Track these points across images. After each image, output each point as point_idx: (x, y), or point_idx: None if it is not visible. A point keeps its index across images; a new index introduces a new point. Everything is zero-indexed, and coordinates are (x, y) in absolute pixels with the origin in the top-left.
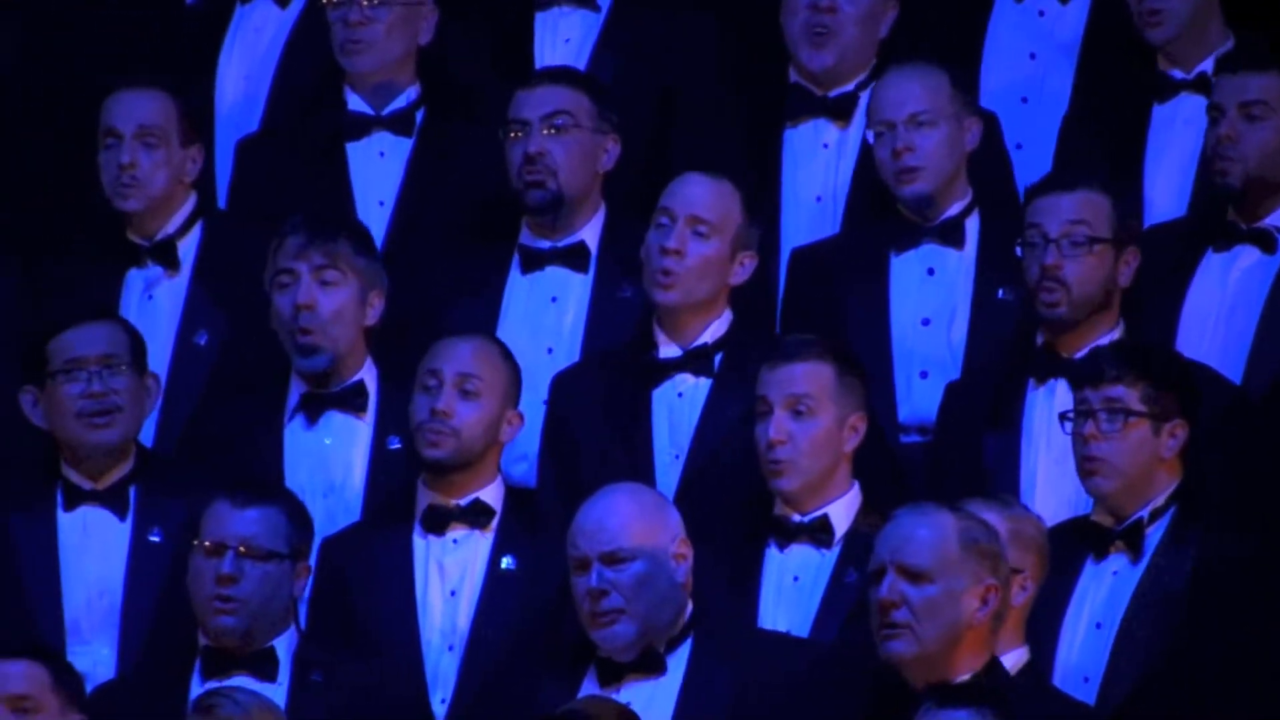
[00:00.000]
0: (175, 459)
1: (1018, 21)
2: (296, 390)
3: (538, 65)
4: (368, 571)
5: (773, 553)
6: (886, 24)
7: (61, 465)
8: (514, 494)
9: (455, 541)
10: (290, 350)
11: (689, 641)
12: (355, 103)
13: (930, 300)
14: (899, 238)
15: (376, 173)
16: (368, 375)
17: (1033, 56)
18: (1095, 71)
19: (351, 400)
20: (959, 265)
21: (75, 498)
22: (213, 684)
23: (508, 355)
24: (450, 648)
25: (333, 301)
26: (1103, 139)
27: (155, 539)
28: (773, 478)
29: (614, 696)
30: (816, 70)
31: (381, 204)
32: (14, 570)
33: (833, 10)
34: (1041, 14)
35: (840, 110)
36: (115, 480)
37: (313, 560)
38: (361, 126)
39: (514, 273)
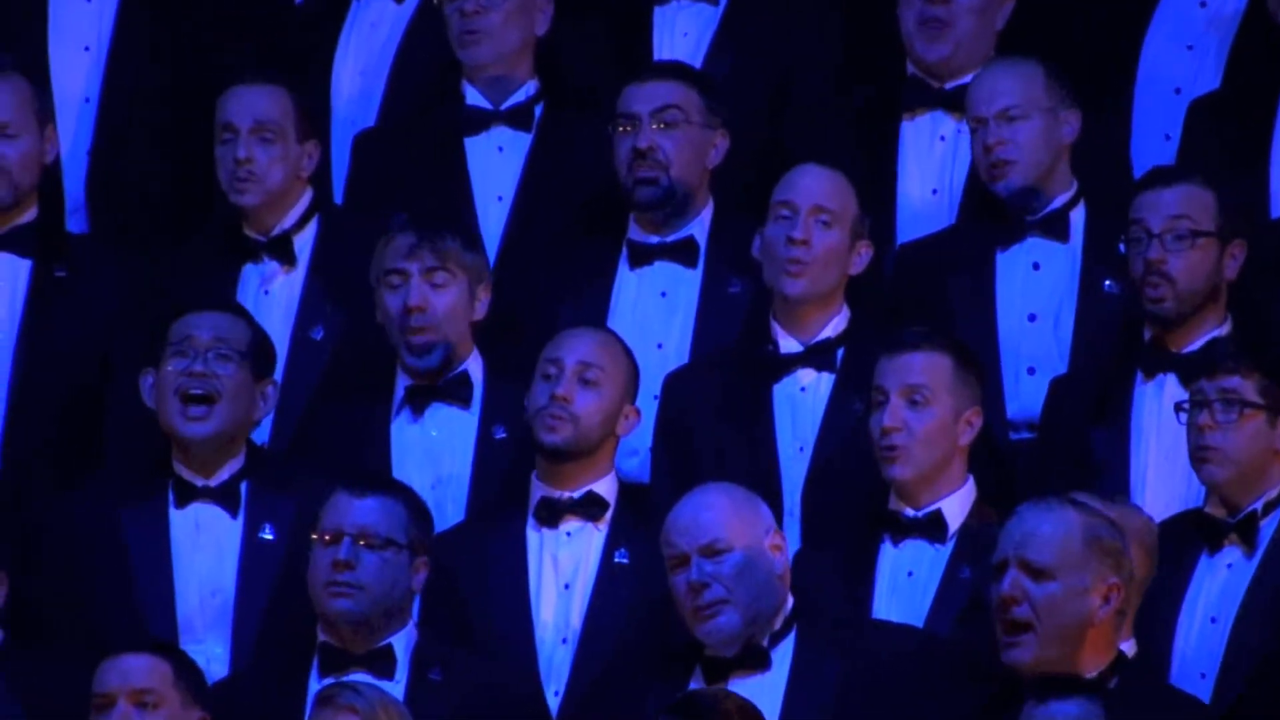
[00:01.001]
0: (287, 455)
1: (1179, 12)
2: (403, 384)
3: (656, 59)
4: (480, 566)
5: (887, 548)
6: (1003, 16)
7: (173, 462)
8: (627, 489)
9: (569, 534)
10: (400, 347)
11: (792, 635)
12: (473, 97)
13: (1036, 295)
14: (1004, 233)
15: (495, 167)
16: (473, 366)
17: (1190, 48)
18: (1238, 62)
19: (456, 392)
20: (1064, 259)
21: (187, 495)
22: (330, 680)
23: (628, 351)
24: (564, 641)
25: (444, 302)
26: (1229, 129)
27: (267, 536)
28: (886, 465)
29: None
30: (931, 62)
31: (500, 199)
32: (127, 568)
33: (947, 1)
34: (1203, 4)
35: (956, 102)
36: (226, 477)
37: None
38: (480, 121)
39: (623, 268)
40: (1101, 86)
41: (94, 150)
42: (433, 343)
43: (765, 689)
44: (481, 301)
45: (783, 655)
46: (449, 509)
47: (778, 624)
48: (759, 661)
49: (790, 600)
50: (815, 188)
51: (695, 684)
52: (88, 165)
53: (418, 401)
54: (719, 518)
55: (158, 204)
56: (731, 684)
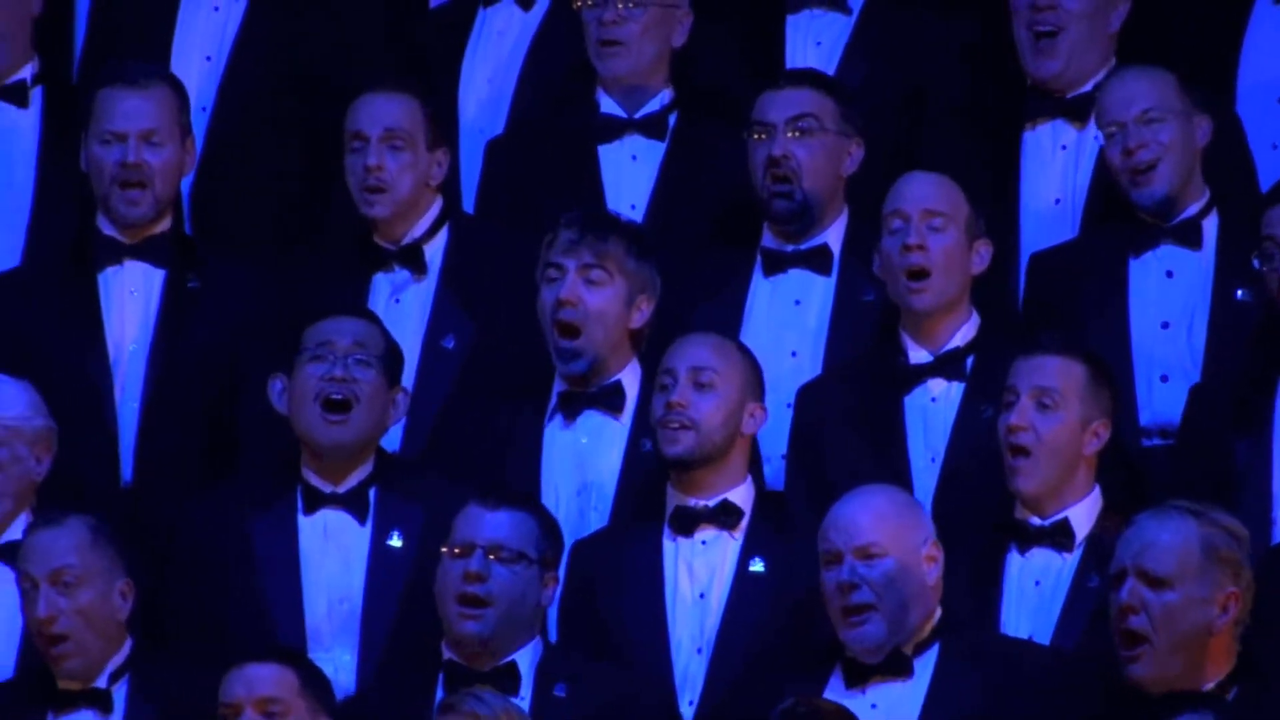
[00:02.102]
0: (415, 462)
1: (1278, 21)
2: (558, 389)
3: (789, 68)
4: (618, 574)
5: (1014, 556)
6: (1117, 17)
7: (302, 468)
8: (763, 496)
9: (704, 543)
10: (550, 349)
11: (936, 645)
12: (608, 105)
13: (1169, 302)
14: (1136, 240)
15: (628, 176)
16: (628, 376)
17: None
18: None
19: (608, 400)
20: (1198, 267)
21: (315, 501)
22: None
23: (744, 349)
24: (699, 650)
25: (596, 300)
26: None
27: (395, 543)
28: (1011, 476)
29: (860, 697)
30: (1044, 79)
31: (633, 207)
32: (255, 575)
33: (1054, 8)
34: None
35: (1078, 111)
36: (355, 483)
37: (562, 566)
38: (614, 129)
39: (756, 276)
40: (1208, 95)
41: (205, 160)
42: (578, 348)
43: (905, 697)
44: (641, 311)
45: (925, 665)
46: (592, 516)
47: (923, 634)
48: (901, 669)
49: (939, 611)
50: (922, 193)
51: (835, 683)
52: (195, 173)
53: (571, 408)
54: (878, 521)
55: (275, 213)
56: (871, 689)
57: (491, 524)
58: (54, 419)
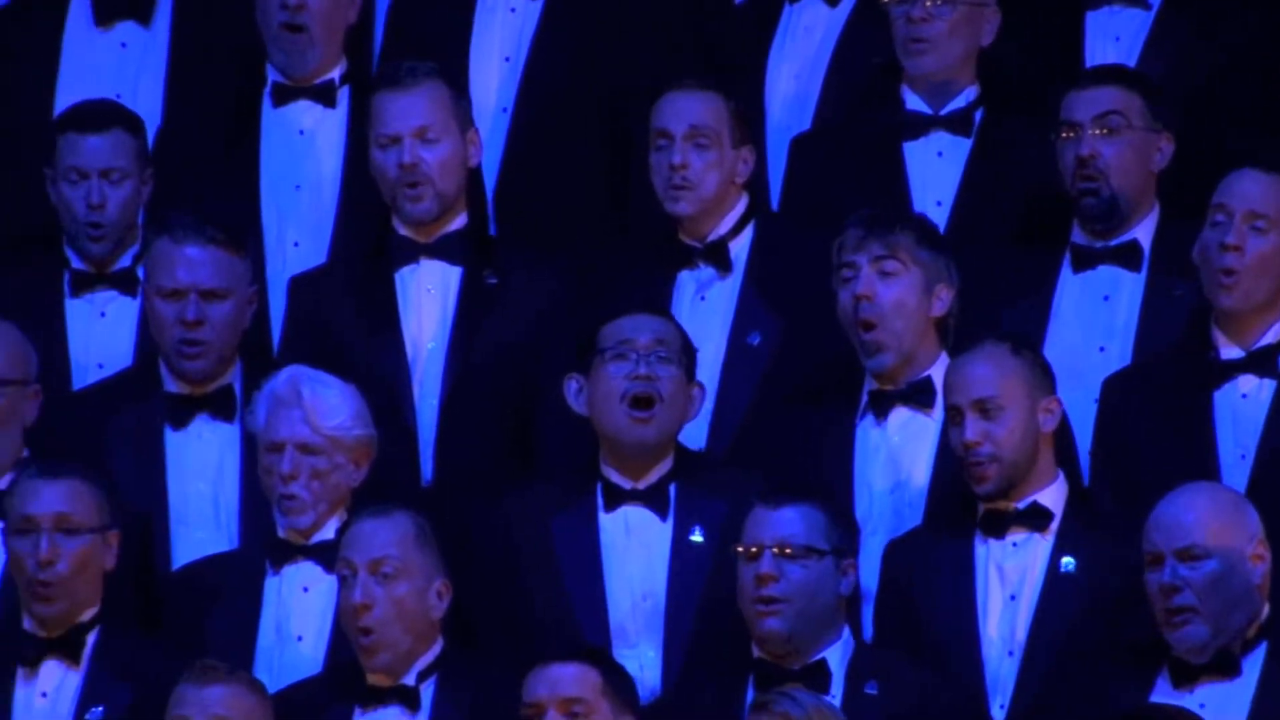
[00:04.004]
0: (714, 458)
1: None
2: (868, 388)
3: (1088, 64)
4: (930, 575)
5: None
6: None
7: (601, 465)
8: (1074, 494)
9: (1015, 545)
10: (856, 348)
11: (1264, 644)
12: (913, 101)
13: None
14: None
15: (934, 172)
16: (938, 372)
17: None
18: None
19: (918, 397)
20: None
21: (616, 498)
22: None
23: (1020, 348)
24: (1010, 653)
25: (892, 292)
26: None
27: (697, 539)
28: None
29: (1187, 698)
30: None
31: (939, 204)
32: (558, 573)
33: None
34: None
35: None
36: (655, 479)
37: (876, 562)
38: (919, 126)
39: (1065, 271)
40: None
41: (506, 159)
42: (881, 342)
43: (1233, 696)
44: (940, 300)
45: (1253, 664)
46: (906, 514)
47: (1250, 632)
48: (1228, 668)
49: (1266, 609)
50: (1250, 192)
51: (1162, 684)
52: (498, 173)
53: (882, 405)
54: (1201, 521)
55: (575, 211)
56: (1199, 689)
57: (776, 522)
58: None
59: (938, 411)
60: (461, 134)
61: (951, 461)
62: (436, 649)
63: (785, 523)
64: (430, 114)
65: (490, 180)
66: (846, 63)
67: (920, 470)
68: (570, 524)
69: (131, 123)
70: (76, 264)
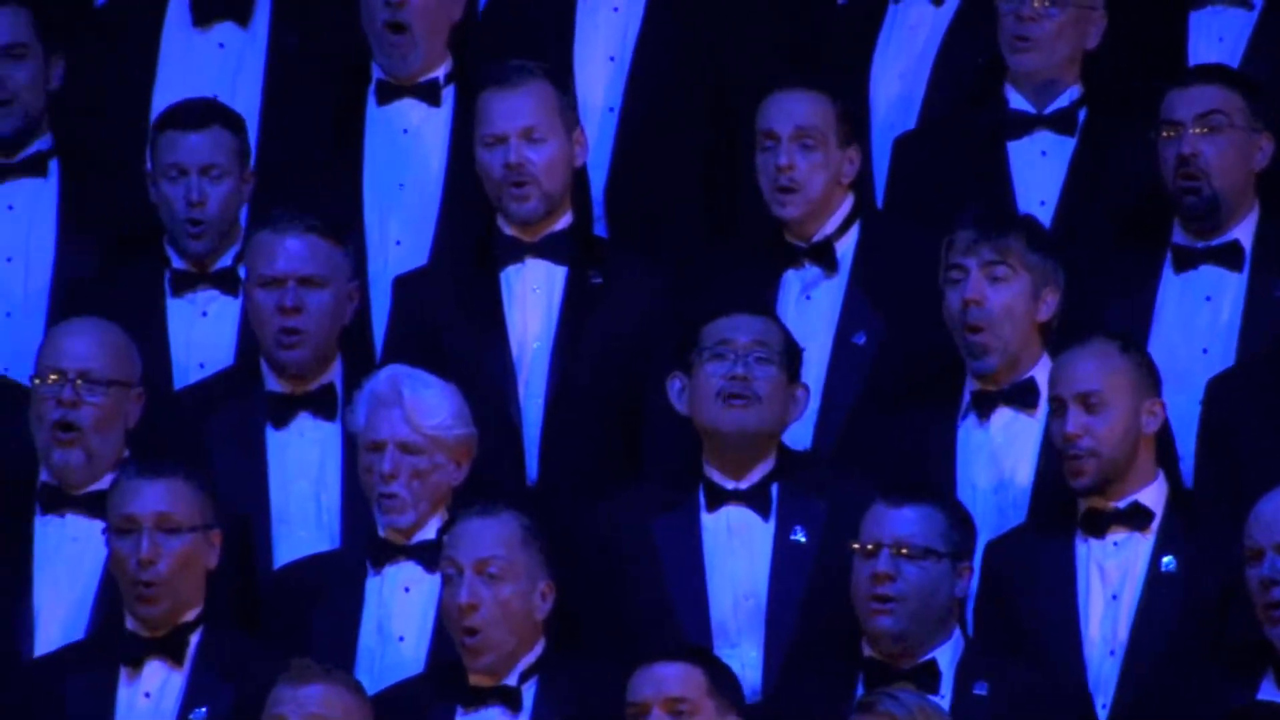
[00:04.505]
0: (817, 457)
1: None
2: (970, 388)
3: (1190, 64)
4: (1031, 575)
5: None
6: None
7: (704, 465)
8: (1175, 494)
9: (1115, 544)
10: (960, 349)
11: None
12: (1016, 100)
13: None
14: None
15: (1038, 171)
16: (1040, 372)
17: None
18: None
19: (1021, 397)
20: None
21: (718, 498)
22: None
23: (1128, 348)
24: (1111, 653)
25: (1001, 297)
26: None
27: (799, 538)
28: None
29: None
30: None
31: (1043, 203)
32: (660, 573)
33: None
34: None
35: None
36: (757, 479)
37: (977, 562)
38: (1023, 125)
39: (1166, 272)
40: None
41: (615, 159)
42: (987, 345)
43: None
44: (1047, 304)
45: None
46: (1010, 514)
47: None
48: None
49: None
50: None
51: (1267, 685)
52: (608, 174)
53: (984, 406)
54: None
55: (681, 211)
56: None
57: (896, 521)
58: (475, 425)
59: (1040, 412)
60: (567, 134)
61: (1054, 461)
62: (539, 650)
63: (905, 522)
64: (536, 114)
65: (600, 180)
66: (951, 62)
67: (1024, 470)
68: (673, 524)
69: (231, 120)
70: (177, 264)
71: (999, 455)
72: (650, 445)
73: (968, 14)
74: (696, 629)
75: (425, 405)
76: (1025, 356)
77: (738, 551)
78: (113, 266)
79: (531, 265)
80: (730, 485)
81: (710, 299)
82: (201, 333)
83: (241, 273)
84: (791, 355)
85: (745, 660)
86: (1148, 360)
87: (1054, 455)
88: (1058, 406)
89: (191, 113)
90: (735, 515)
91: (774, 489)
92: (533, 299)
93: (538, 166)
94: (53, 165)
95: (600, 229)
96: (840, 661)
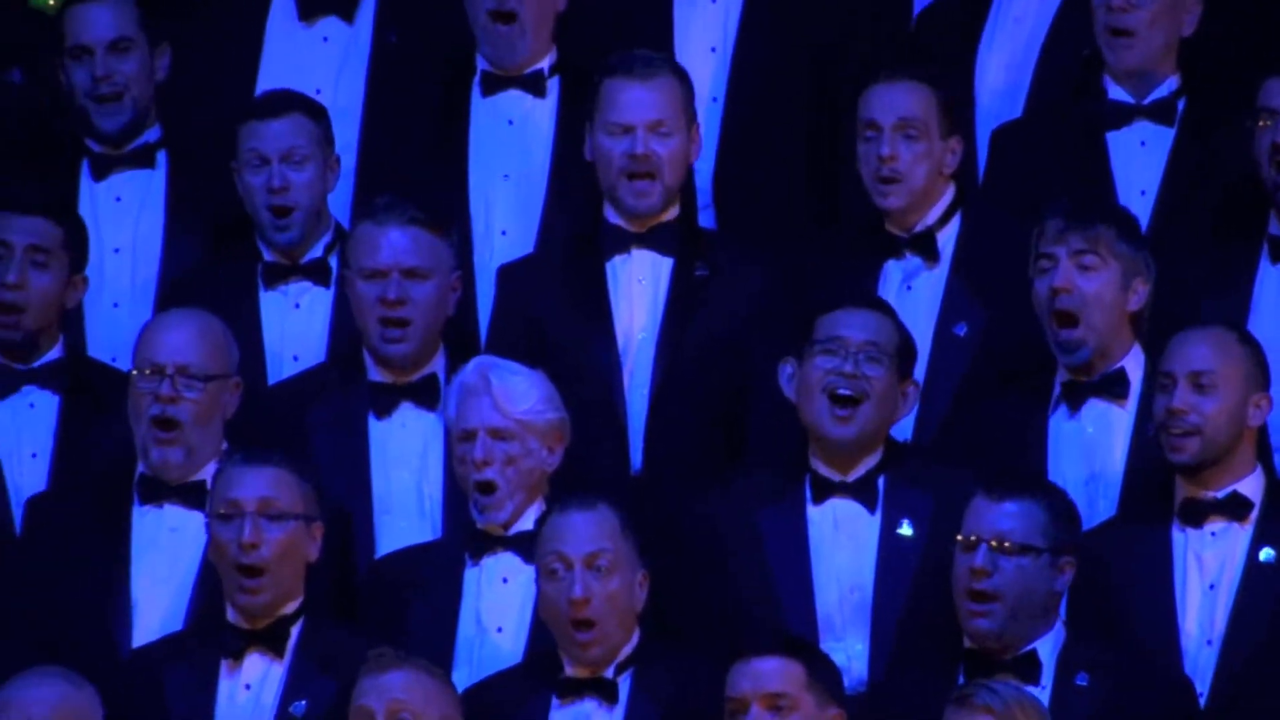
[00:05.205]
0: (924, 450)
1: None
2: (1060, 379)
3: None
4: (1127, 565)
5: None
6: None
7: (810, 457)
8: (1272, 486)
9: (1213, 534)
10: (1050, 341)
11: None
12: (1115, 91)
13: None
14: None
15: (1138, 162)
16: (1131, 363)
17: None
18: None
19: (1112, 388)
20: None
21: (824, 491)
22: None
23: (1246, 340)
24: (1209, 643)
25: (1091, 286)
26: None
27: (905, 532)
28: None
29: None
30: None
31: (1143, 194)
32: (765, 565)
33: None
34: None
35: None
36: (864, 472)
37: None
38: (1122, 115)
39: (1264, 263)
40: None
41: (721, 149)
42: (1079, 337)
43: None
44: (1137, 294)
45: None
46: (1101, 505)
47: None
48: None
49: None
50: None
51: None
52: (715, 164)
53: (1074, 397)
54: None
55: (784, 201)
56: None
57: (996, 516)
58: (566, 409)
59: (1131, 403)
60: (689, 129)
61: (1147, 452)
62: (634, 641)
63: (1005, 517)
64: (666, 108)
65: (706, 171)
66: (1056, 53)
67: (1115, 461)
68: (778, 516)
69: (310, 108)
70: (268, 256)
71: (1090, 447)
72: (754, 437)
73: (1072, 5)
74: (802, 622)
75: (513, 391)
76: (1116, 347)
77: (844, 544)
78: (210, 260)
79: (638, 256)
80: (837, 478)
81: (813, 291)
82: (295, 325)
83: (332, 263)
84: (904, 354)
85: (851, 653)
86: (1262, 356)
87: (1145, 446)
88: (1167, 382)
89: (269, 102)
90: (841, 508)
91: (880, 482)
92: (639, 290)
93: (663, 160)
94: (161, 157)
95: (705, 219)
96: (942, 653)
